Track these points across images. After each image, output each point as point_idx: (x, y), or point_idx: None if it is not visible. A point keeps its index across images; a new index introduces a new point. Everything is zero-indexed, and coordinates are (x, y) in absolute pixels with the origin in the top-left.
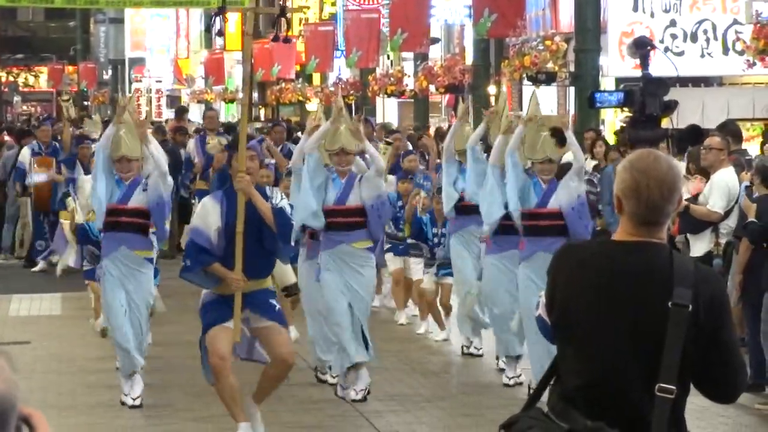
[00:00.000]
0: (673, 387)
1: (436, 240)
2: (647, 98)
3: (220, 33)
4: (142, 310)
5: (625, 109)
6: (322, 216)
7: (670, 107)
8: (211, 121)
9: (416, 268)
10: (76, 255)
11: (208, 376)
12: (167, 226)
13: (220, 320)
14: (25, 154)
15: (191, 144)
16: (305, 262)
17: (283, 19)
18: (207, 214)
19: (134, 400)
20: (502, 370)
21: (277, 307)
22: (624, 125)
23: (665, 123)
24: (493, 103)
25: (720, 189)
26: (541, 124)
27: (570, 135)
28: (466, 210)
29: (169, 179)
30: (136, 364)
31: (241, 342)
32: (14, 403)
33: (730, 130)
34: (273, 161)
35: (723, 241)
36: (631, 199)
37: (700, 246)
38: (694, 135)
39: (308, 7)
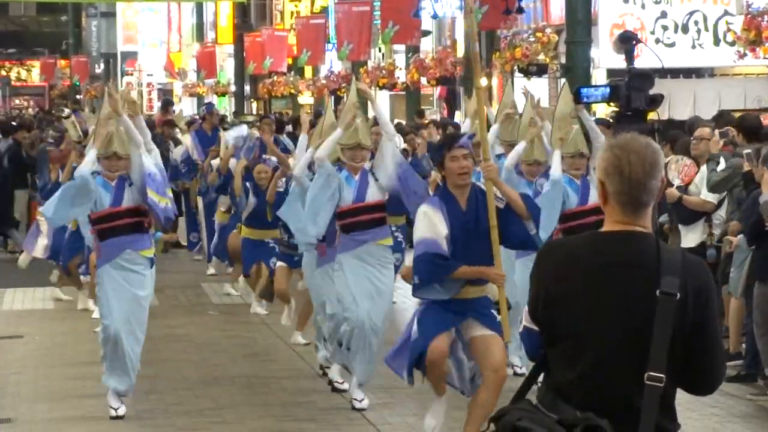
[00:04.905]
0: (662, 375)
1: None
2: (633, 92)
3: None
4: (143, 316)
5: (611, 104)
6: (323, 228)
7: (656, 101)
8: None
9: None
10: (46, 248)
11: (401, 372)
12: (170, 195)
13: (443, 328)
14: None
15: (188, 140)
16: (317, 269)
17: None
18: (432, 223)
19: (116, 410)
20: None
21: (498, 318)
22: (610, 120)
23: (652, 114)
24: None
25: None
26: (573, 117)
27: (585, 114)
28: None
29: (153, 147)
30: (125, 389)
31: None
32: None
33: (726, 121)
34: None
35: (716, 231)
36: (614, 176)
37: (692, 237)
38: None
39: (300, 0)
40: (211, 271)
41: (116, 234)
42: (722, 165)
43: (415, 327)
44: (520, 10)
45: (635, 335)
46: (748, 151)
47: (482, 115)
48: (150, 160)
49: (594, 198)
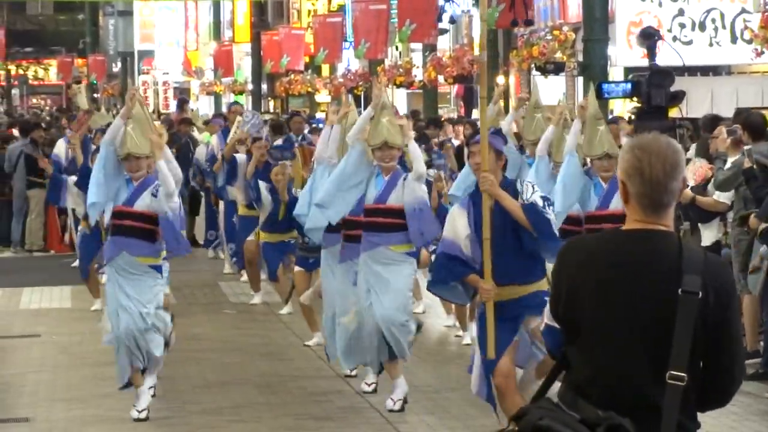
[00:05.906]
0: (684, 374)
1: None
2: (653, 89)
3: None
4: (142, 320)
5: (634, 99)
6: (338, 215)
7: (677, 98)
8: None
9: None
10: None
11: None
12: (181, 239)
13: (501, 348)
14: (61, 146)
15: (214, 140)
16: (339, 265)
17: None
18: (456, 224)
19: (140, 412)
20: None
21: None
22: (632, 116)
23: (675, 112)
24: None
25: None
26: (598, 118)
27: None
28: None
29: (176, 199)
30: (123, 377)
31: (519, 349)
32: None
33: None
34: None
35: (731, 230)
36: (635, 177)
37: (708, 235)
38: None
39: None
40: (228, 269)
41: (119, 233)
42: (728, 164)
43: (476, 347)
44: (529, 23)
45: (654, 333)
46: (749, 147)
47: (484, 124)
48: (173, 207)
49: (615, 205)
